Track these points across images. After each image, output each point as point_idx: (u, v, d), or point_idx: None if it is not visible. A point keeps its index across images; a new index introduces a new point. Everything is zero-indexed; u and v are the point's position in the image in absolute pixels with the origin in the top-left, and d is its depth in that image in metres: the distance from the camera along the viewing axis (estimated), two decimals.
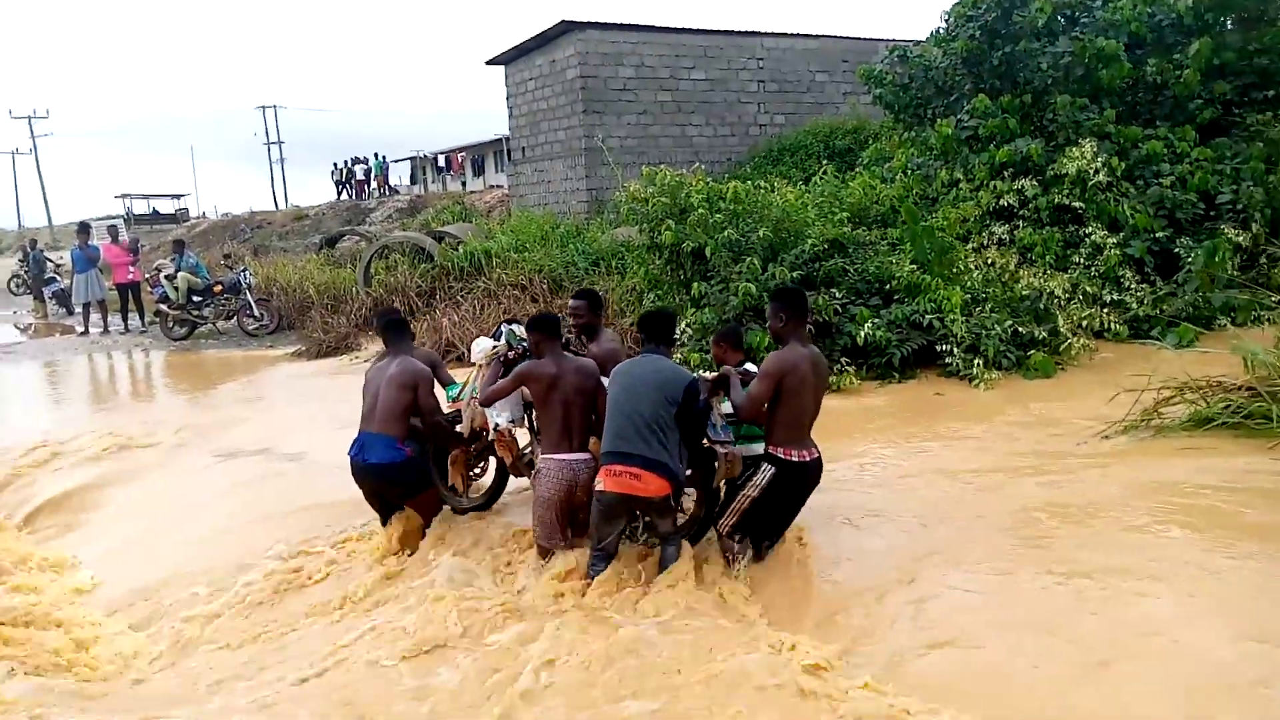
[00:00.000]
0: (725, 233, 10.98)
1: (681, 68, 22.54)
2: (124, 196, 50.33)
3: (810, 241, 11.10)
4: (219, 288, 19.15)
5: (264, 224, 35.86)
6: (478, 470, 7.03)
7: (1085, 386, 9.47)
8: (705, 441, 5.55)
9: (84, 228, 20.36)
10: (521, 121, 24.03)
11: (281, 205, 51.86)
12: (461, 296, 15.55)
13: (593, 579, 5.58)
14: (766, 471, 5.35)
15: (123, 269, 20.11)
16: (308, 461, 8.93)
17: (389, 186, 43.26)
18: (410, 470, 6.41)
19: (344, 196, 41.54)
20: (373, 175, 42.79)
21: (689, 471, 5.70)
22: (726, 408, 5.61)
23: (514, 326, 6.42)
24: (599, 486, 5.46)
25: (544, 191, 23.33)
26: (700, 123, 22.95)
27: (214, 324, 19.14)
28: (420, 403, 6.30)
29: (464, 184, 47.22)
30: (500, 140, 41.93)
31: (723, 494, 5.71)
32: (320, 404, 11.64)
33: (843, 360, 10.19)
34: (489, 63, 24.39)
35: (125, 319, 20.49)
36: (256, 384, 13.97)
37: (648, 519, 5.74)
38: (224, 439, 10.35)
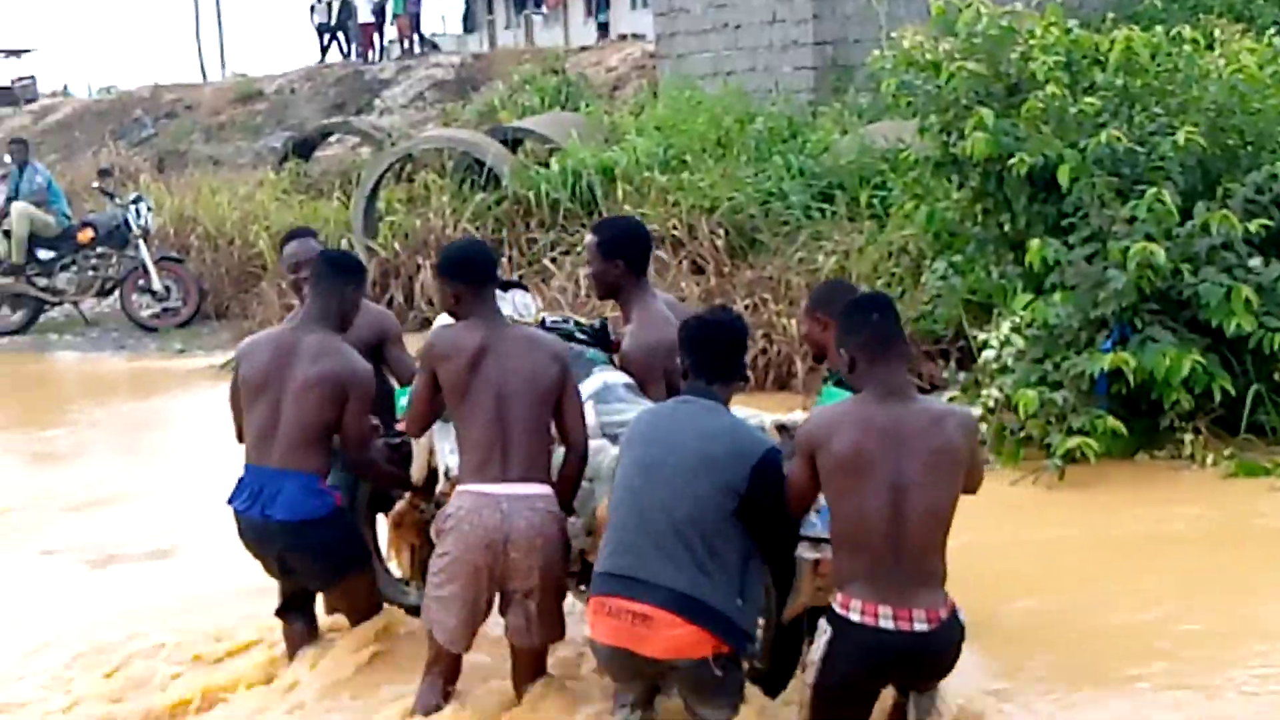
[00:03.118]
0: (1102, 135, 7.90)
1: None
2: None
3: None
4: (88, 234, 14.32)
5: (179, 110, 25.78)
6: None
7: None
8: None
9: None
10: None
11: (215, 75, 34.33)
12: (554, 258, 12.45)
13: None
14: (822, 635, 4.04)
15: None
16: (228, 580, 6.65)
17: (420, 36, 30.20)
18: (338, 532, 5.28)
19: (334, 56, 29.47)
20: (390, 14, 29.45)
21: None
22: None
23: (513, 295, 5.56)
24: (587, 631, 4.50)
25: (725, 48, 17.81)
26: None
27: (76, 303, 14.74)
28: (346, 424, 5.16)
29: (566, 32, 34.22)
30: None
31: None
32: None
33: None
34: None
35: None
36: (152, 424, 11.16)
37: (683, 699, 4.50)
38: (83, 526, 7.96)
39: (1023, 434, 6.96)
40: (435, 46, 29.39)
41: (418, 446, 5.41)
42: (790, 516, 4.27)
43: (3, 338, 14.26)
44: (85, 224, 14.46)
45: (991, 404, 7.25)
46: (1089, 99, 8.11)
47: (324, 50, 28.12)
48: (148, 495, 8.39)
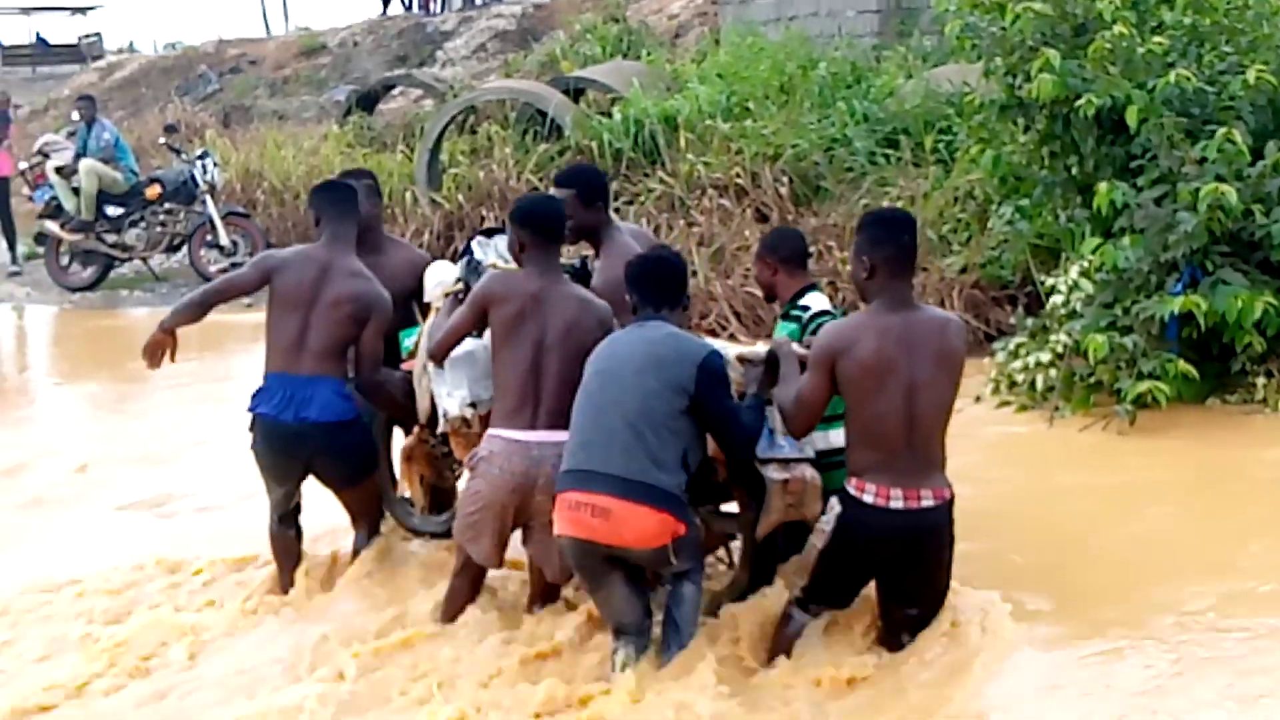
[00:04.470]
0: (1171, 75, 7.74)
1: None
2: None
3: None
4: (156, 190, 14.10)
5: (243, 65, 25.52)
6: (452, 471, 6.07)
7: None
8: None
9: None
10: None
11: (278, 29, 33.27)
12: (618, 208, 11.64)
13: (615, 668, 4.72)
14: (833, 511, 4.52)
15: None
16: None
17: None
18: (363, 435, 5.65)
19: (397, 9, 28.93)
20: None
21: (725, 507, 5.15)
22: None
23: (496, 241, 5.72)
24: (555, 527, 4.76)
25: None
26: None
27: (145, 258, 14.52)
28: (364, 342, 5.47)
29: None
30: None
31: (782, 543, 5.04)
32: None
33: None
34: None
35: None
36: (227, 375, 10.83)
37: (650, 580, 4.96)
38: (154, 481, 7.85)
39: (1092, 379, 6.84)
40: None
41: (419, 388, 5.63)
42: (736, 420, 4.63)
43: (74, 293, 14.26)
44: (153, 180, 14.27)
45: (1060, 349, 7.12)
46: (1157, 38, 7.89)
47: (386, 3, 27.94)
48: (216, 446, 8.41)
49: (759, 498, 4.77)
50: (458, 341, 5.24)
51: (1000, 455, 6.79)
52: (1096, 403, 6.82)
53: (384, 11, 27.27)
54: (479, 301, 5.15)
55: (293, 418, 5.56)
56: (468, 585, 5.21)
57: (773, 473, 4.72)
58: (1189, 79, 7.59)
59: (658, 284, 4.92)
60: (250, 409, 5.65)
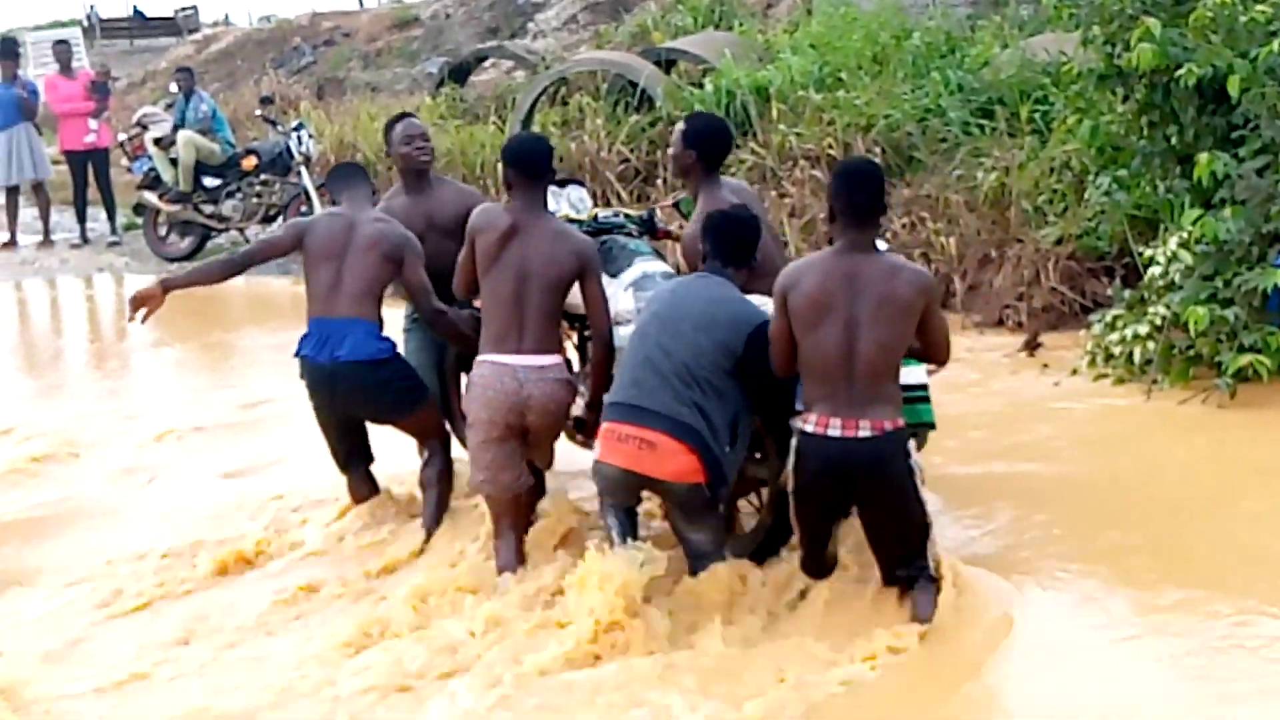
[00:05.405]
0: (1274, 44, 7.51)
1: None
2: None
3: None
4: (252, 161, 13.80)
5: (336, 37, 24.90)
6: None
7: None
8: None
9: (7, 48, 15.14)
10: None
11: (371, 2, 33.58)
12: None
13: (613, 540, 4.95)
14: (792, 450, 4.69)
15: (78, 125, 14.82)
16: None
17: None
18: (399, 370, 5.81)
19: None
20: None
21: (755, 456, 5.17)
22: None
23: (569, 191, 6.11)
24: (595, 454, 4.93)
25: None
26: None
27: (241, 229, 14.08)
28: (408, 278, 5.71)
29: None
30: None
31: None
32: None
33: None
34: None
35: (82, 218, 15.07)
36: None
37: (671, 520, 5.05)
38: (249, 449, 7.71)
39: (1191, 352, 6.73)
40: None
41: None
42: (779, 383, 4.73)
43: (171, 264, 13.62)
44: (249, 151, 13.83)
45: (1159, 321, 6.97)
46: (1260, 7, 7.50)
47: None
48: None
49: (786, 448, 4.91)
50: (471, 276, 5.42)
51: (1100, 429, 6.68)
52: (1196, 376, 6.70)
53: None
54: (468, 235, 5.39)
55: (327, 358, 5.81)
56: (512, 536, 5.37)
57: (796, 425, 4.84)
58: None
59: (733, 241, 5.07)
60: (296, 353, 5.91)
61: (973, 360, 7.84)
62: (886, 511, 4.69)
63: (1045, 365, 7.64)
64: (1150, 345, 6.86)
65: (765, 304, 4.93)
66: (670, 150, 5.83)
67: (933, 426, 5.11)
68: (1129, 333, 7.05)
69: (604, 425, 4.91)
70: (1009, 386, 7.46)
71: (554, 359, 5.27)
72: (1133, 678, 4.34)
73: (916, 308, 4.62)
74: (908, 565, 4.67)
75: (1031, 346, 7.90)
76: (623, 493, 5.01)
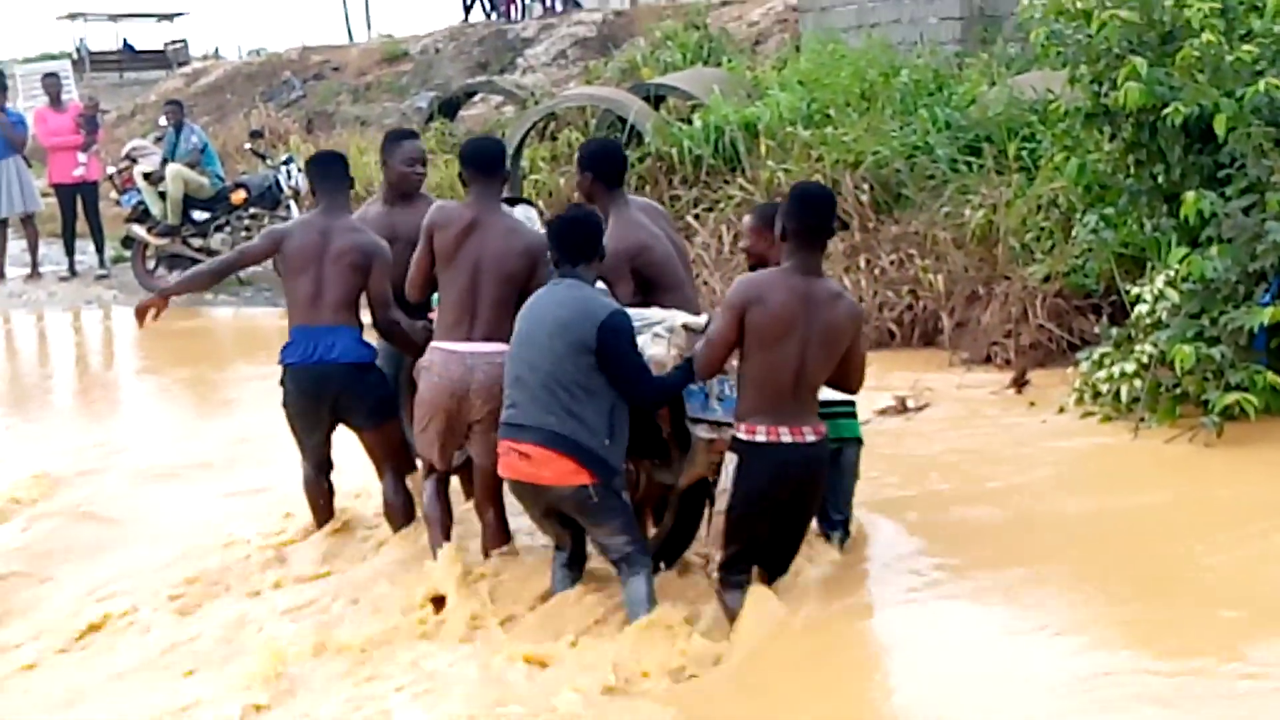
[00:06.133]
0: (1260, 83, 7.48)
1: None
2: (75, 17, 36.00)
3: None
4: (241, 195, 13.76)
5: (326, 71, 24.92)
6: None
7: None
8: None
9: None
10: None
11: (360, 36, 33.42)
12: (698, 214, 11.98)
13: (555, 591, 5.27)
14: (729, 466, 4.86)
15: (67, 158, 14.67)
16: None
17: None
18: (382, 378, 6.03)
19: (479, 16, 27.97)
20: None
21: (656, 460, 5.37)
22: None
23: (517, 210, 6.01)
24: (499, 471, 5.26)
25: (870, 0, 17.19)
26: None
27: None
28: (371, 287, 5.84)
29: None
30: None
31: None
32: None
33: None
34: None
35: (70, 250, 14.93)
36: None
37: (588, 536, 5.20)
38: (248, 476, 7.77)
39: (1178, 390, 6.67)
40: (577, 4, 28.27)
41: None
42: (640, 371, 4.91)
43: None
44: (238, 185, 13.81)
45: (1145, 360, 6.91)
46: (1246, 46, 7.50)
47: (467, 10, 27.64)
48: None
49: (688, 451, 5.15)
50: (426, 277, 5.59)
51: (1086, 467, 6.64)
52: (1183, 414, 6.65)
53: (465, 18, 26.98)
54: (426, 232, 5.52)
55: (317, 360, 5.94)
56: (437, 485, 5.68)
57: (702, 432, 5.12)
58: (1278, 87, 7.24)
59: (575, 239, 5.21)
60: (279, 362, 6.01)
61: (960, 397, 7.82)
62: (808, 512, 5.02)
63: (1032, 403, 7.58)
64: (1137, 383, 6.83)
65: (672, 316, 5.16)
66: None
67: (860, 442, 5.51)
68: (1116, 370, 7.00)
69: (499, 443, 5.16)
70: (996, 424, 7.41)
71: (503, 347, 5.36)
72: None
73: (849, 335, 4.89)
74: (786, 569, 5.05)
75: (1019, 384, 7.86)
76: (531, 507, 5.24)
